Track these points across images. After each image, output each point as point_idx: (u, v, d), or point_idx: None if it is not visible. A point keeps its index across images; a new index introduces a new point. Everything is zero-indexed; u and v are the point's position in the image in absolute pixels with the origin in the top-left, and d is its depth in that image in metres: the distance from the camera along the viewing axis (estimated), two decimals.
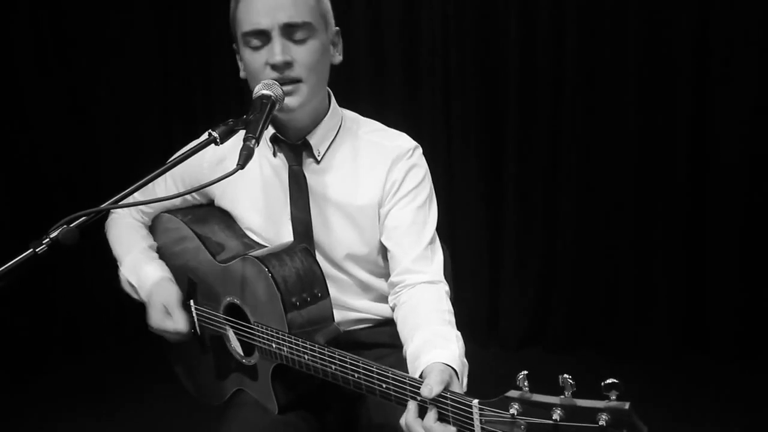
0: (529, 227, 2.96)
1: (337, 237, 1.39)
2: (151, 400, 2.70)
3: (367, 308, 1.46)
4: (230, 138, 1.15)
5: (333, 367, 1.16)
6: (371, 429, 1.31)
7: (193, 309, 1.48)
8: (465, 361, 1.14)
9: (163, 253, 1.55)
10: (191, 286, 1.49)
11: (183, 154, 1.15)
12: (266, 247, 1.40)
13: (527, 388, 0.88)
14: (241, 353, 1.40)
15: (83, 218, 1.03)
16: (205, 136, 1.16)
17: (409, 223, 1.36)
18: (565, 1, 2.74)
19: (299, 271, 1.30)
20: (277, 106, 1.22)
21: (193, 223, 1.52)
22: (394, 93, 2.93)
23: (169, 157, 1.20)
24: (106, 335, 3.14)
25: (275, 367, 1.31)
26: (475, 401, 0.93)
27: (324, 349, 1.17)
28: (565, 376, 0.85)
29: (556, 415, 0.84)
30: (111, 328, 3.09)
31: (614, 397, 0.82)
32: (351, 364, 1.12)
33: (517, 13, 2.78)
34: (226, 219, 1.50)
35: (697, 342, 2.88)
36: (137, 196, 1.53)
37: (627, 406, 0.81)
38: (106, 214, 1.58)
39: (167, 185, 1.52)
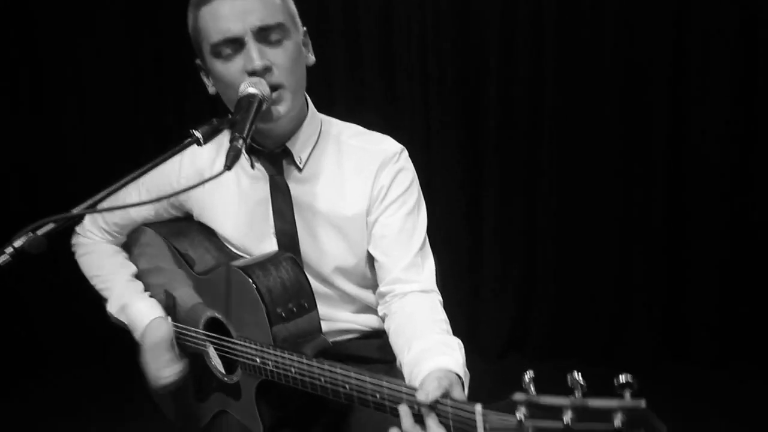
0: (509, 235, 2.94)
1: (325, 249, 1.32)
2: (125, 422, 2.57)
3: (350, 319, 1.39)
4: (214, 138, 1.08)
5: (322, 379, 1.09)
6: None
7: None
8: (467, 370, 1.08)
9: (141, 271, 1.48)
10: (170, 301, 1.41)
11: (161, 158, 1.08)
12: (249, 257, 1.34)
13: (534, 390, 0.82)
14: (223, 371, 1.32)
15: (51, 225, 0.95)
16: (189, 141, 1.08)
17: (397, 231, 1.30)
18: (543, 7, 2.76)
19: (285, 282, 1.24)
20: (264, 106, 1.15)
21: (171, 236, 1.45)
22: (371, 98, 2.90)
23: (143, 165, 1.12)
24: (75, 353, 2.99)
25: (260, 383, 1.23)
26: (478, 406, 0.87)
27: (312, 361, 1.11)
28: (575, 374, 0.80)
29: (567, 417, 0.78)
30: (81, 344, 2.94)
31: (628, 396, 0.77)
32: (342, 375, 1.05)
33: (497, 16, 2.79)
34: (206, 231, 1.43)
35: (677, 348, 2.88)
36: (105, 214, 1.46)
37: (643, 404, 0.75)
38: (71, 233, 1.50)
39: (141, 198, 1.44)
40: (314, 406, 1.29)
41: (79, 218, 1.47)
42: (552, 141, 2.84)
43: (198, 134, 1.07)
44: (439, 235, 2.91)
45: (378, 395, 0.99)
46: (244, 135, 1.06)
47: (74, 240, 1.50)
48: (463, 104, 2.90)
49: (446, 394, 0.92)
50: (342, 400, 1.07)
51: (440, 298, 1.30)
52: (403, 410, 0.95)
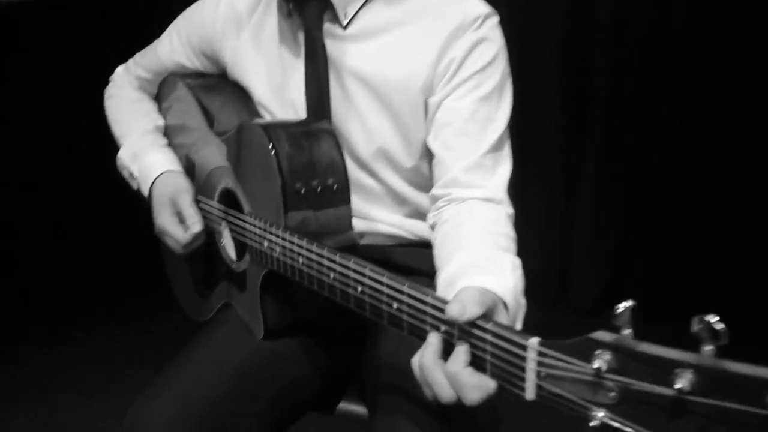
0: (613, 171, 2.45)
1: (366, 125, 1.04)
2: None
3: (398, 224, 1.10)
4: None
5: (331, 275, 0.81)
6: (378, 372, 0.97)
7: None
8: (522, 300, 0.77)
9: (167, 127, 1.27)
10: (189, 167, 1.19)
11: None
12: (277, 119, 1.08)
13: (631, 331, 0.50)
14: (233, 256, 1.08)
15: None
16: None
17: (466, 119, 0.98)
18: None
19: (313, 153, 0.96)
20: None
21: (202, 91, 1.22)
22: None
23: None
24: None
25: (265, 275, 0.98)
26: (534, 340, 0.56)
27: (324, 250, 0.83)
28: (708, 318, 0.47)
29: (683, 382, 0.46)
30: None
31: None
32: (355, 272, 0.77)
33: None
34: (239, 91, 1.18)
35: None
36: (137, 58, 1.29)
37: None
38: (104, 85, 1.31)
39: (173, 45, 1.21)
40: (332, 319, 1.03)
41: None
42: (671, 88, 2.33)
43: None
44: (530, 184, 2.55)
45: (395, 305, 0.70)
46: None
47: (106, 91, 1.32)
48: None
49: (488, 316, 0.61)
50: (352, 306, 0.79)
51: (511, 210, 0.97)
52: (433, 338, 0.66)
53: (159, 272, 1.35)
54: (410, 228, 1.11)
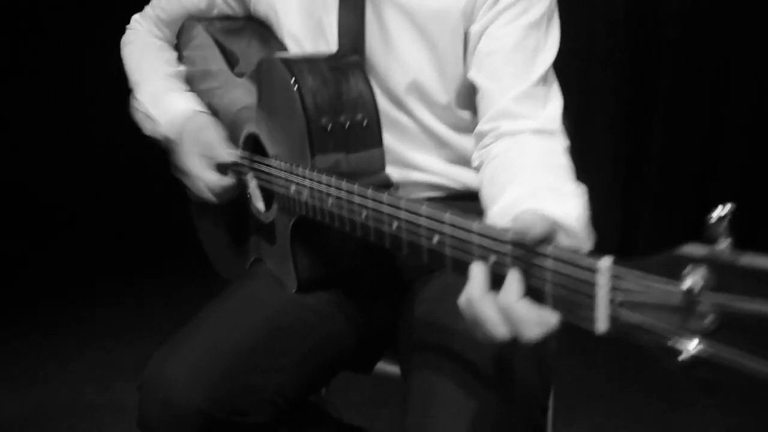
0: (682, 140, 2.29)
1: (401, 57, 0.95)
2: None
3: (439, 170, 1.01)
4: None
5: (364, 214, 0.73)
6: (413, 331, 0.89)
7: None
8: (590, 232, 0.68)
9: (189, 75, 1.20)
10: (213, 114, 1.12)
11: None
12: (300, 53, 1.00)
13: (730, 242, 0.40)
14: (261, 207, 1.02)
15: None
16: None
17: (512, 47, 0.89)
18: None
19: (339, 86, 0.88)
20: None
21: (221, 34, 1.14)
22: None
23: None
24: None
25: (295, 222, 0.91)
26: (605, 260, 0.47)
27: (354, 187, 0.75)
28: None
29: None
30: None
31: None
32: (390, 204, 0.68)
33: None
34: (264, 33, 1.09)
35: None
36: (154, 2, 1.20)
37: None
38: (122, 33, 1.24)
39: None
40: (368, 274, 0.96)
41: None
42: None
43: None
44: (584, 134, 2.39)
45: (436, 238, 0.61)
46: None
47: (123, 39, 1.25)
48: None
49: (548, 240, 0.52)
50: (387, 245, 0.71)
51: (567, 143, 0.88)
52: (477, 270, 0.57)
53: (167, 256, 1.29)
54: (453, 175, 1.01)
